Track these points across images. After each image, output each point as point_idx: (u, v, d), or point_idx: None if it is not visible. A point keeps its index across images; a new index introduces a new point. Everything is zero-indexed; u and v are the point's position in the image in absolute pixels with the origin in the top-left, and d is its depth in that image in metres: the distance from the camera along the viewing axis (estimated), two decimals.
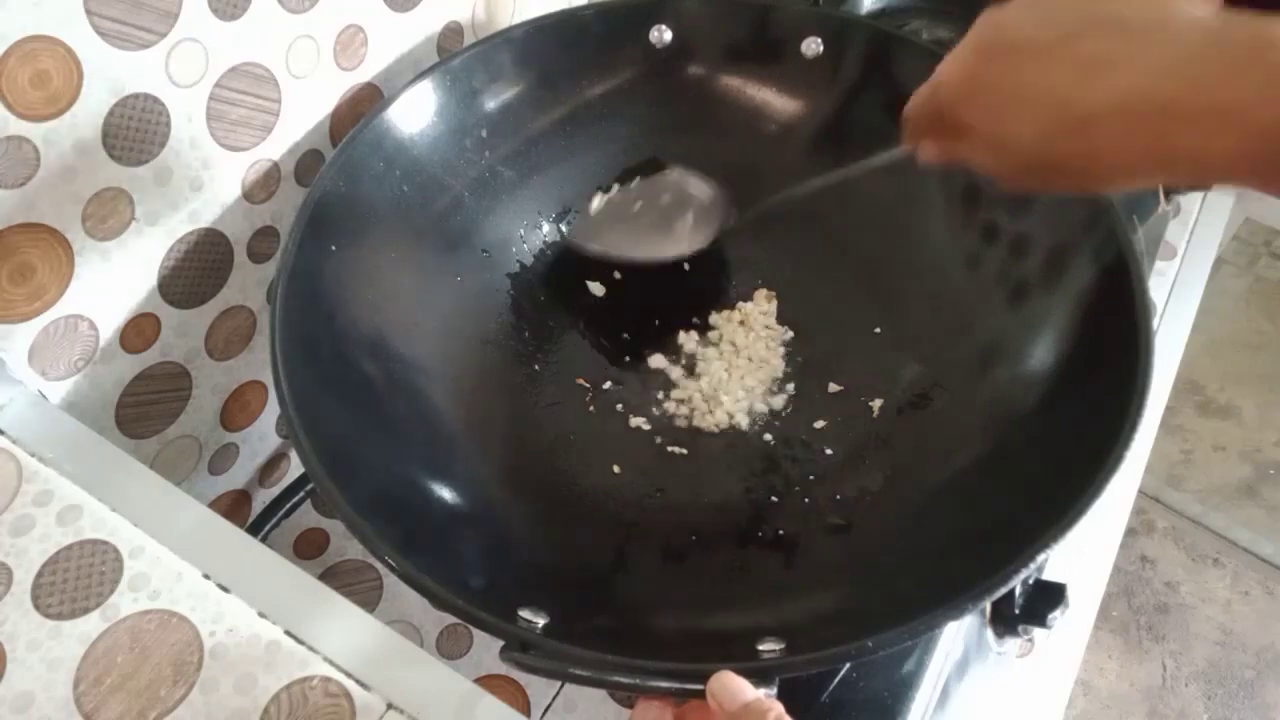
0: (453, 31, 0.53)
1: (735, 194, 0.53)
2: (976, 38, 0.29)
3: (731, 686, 0.28)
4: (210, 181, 0.42)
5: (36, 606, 0.32)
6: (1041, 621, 0.42)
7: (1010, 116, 0.28)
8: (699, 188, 0.53)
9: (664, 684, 0.30)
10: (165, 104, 0.38)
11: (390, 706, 0.30)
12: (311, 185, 0.42)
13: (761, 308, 0.52)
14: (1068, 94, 0.26)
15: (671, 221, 0.52)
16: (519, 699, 0.47)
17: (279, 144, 0.45)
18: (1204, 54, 0.24)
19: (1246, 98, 0.23)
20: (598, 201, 0.54)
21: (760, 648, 0.31)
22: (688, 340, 0.52)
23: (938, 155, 0.34)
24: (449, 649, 0.49)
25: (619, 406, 0.49)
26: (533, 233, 0.53)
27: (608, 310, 0.53)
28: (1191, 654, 1.21)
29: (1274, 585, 1.27)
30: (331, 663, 0.31)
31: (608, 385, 0.50)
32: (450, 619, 0.49)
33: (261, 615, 0.32)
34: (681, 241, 0.51)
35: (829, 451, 0.46)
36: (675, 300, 0.53)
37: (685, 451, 0.47)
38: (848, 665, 0.39)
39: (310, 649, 0.31)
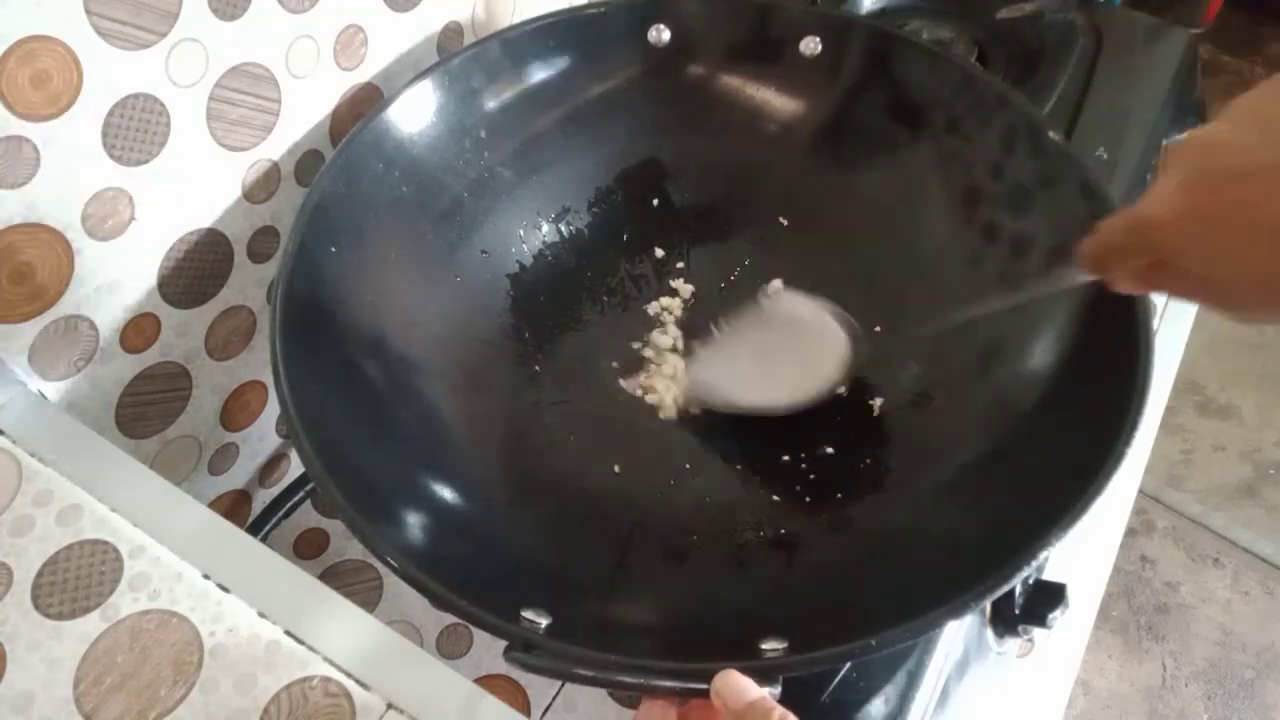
0: (453, 31, 0.53)
1: (740, 198, 0.53)
2: (1188, 169, 0.26)
3: (736, 685, 0.27)
4: (210, 181, 0.42)
5: (36, 606, 0.32)
6: (1041, 621, 0.42)
7: (1247, 253, 0.24)
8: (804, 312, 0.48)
9: (667, 683, 0.30)
10: (165, 104, 0.38)
11: (390, 706, 0.30)
12: (311, 186, 0.42)
13: None
14: None
15: (795, 360, 0.46)
16: (519, 699, 0.47)
17: (279, 144, 0.45)
18: None
19: None
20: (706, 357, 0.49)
21: (763, 647, 0.31)
22: (688, 340, 0.52)
23: (1134, 286, 0.31)
24: (449, 649, 0.49)
25: (619, 407, 0.49)
26: (532, 233, 0.53)
27: (608, 311, 0.53)
28: (1191, 654, 1.21)
29: (1274, 585, 1.27)
30: (331, 663, 0.31)
31: (608, 386, 0.50)
32: (450, 619, 0.49)
33: (261, 615, 0.32)
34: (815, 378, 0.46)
35: (829, 451, 0.46)
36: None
37: (686, 452, 0.47)
38: (848, 665, 0.39)
39: (310, 649, 0.31)
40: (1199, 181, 0.25)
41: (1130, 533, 1.23)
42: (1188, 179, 0.26)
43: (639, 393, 0.49)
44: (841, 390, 0.47)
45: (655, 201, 0.56)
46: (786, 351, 0.47)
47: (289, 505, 0.52)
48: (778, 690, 0.29)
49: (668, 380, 0.49)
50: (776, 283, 0.52)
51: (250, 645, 0.31)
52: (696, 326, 0.52)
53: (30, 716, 0.30)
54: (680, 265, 0.55)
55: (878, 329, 0.50)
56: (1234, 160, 0.24)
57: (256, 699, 0.30)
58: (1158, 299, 0.61)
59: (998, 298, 0.42)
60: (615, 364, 0.50)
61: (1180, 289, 0.29)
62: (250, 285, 0.47)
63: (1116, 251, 0.30)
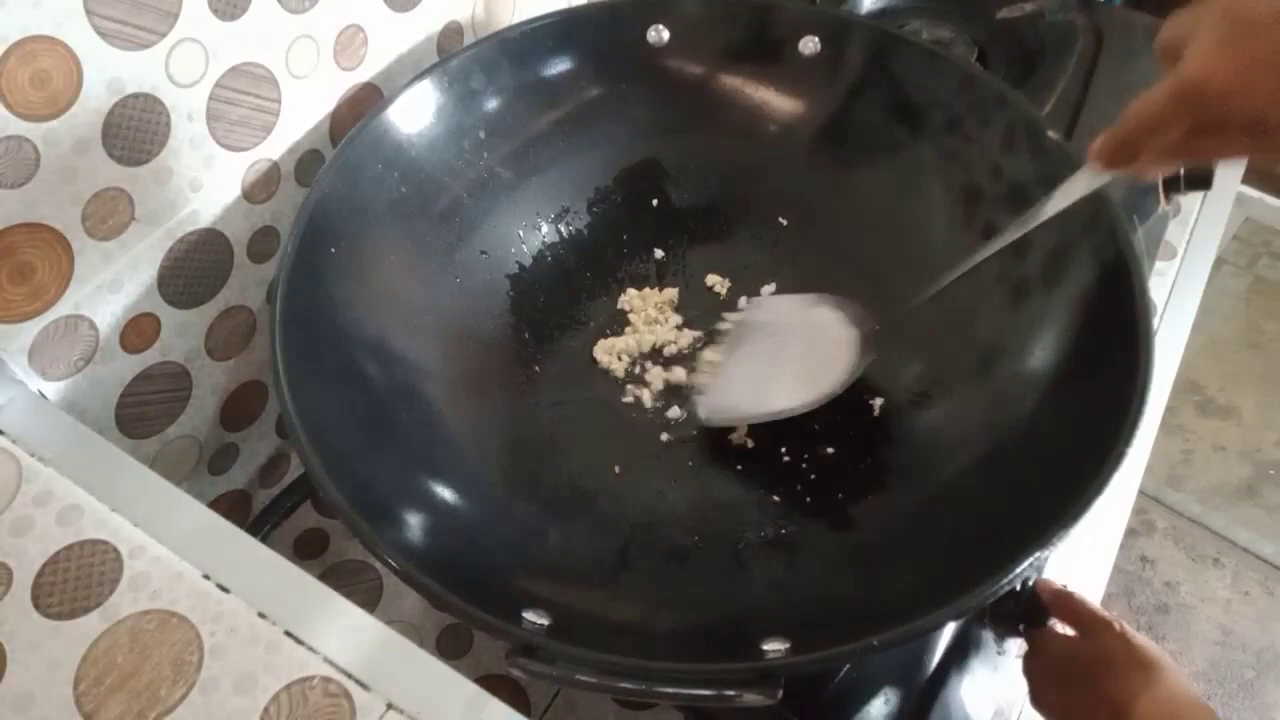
0: (453, 31, 0.53)
1: (739, 198, 0.53)
2: (1223, 23, 0.28)
3: (1074, 602, 0.31)
4: (210, 181, 0.42)
5: (36, 606, 0.32)
6: (1041, 622, 0.42)
7: None
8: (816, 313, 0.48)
9: (670, 690, 0.30)
10: (165, 104, 0.38)
11: (390, 706, 0.30)
12: (310, 187, 0.42)
13: None
14: None
15: (806, 362, 0.47)
16: (519, 699, 0.47)
17: (279, 144, 0.45)
18: None
19: None
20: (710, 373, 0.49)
21: (764, 647, 0.31)
22: (687, 340, 0.52)
23: (1173, 161, 0.32)
24: (449, 649, 0.49)
25: (619, 407, 0.49)
26: (532, 234, 0.53)
27: (607, 313, 0.53)
28: (1191, 654, 1.21)
29: (1274, 585, 1.27)
30: (331, 663, 0.31)
31: (607, 386, 0.50)
32: (450, 619, 0.49)
33: (261, 615, 0.32)
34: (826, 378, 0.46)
35: (830, 451, 0.46)
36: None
37: (686, 452, 0.47)
38: (848, 665, 0.39)
39: (310, 649, 0.31)
40: (1238, 31, 0.27)
41: (1130, 533, 1.22)
42: (1229, 32, 0.27)
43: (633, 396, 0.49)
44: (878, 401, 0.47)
45: (655, 202, 0.56)
46: (797, 353, 0.47)
47: (289, 505, 0.52)
48: (780, 691, 0.29)
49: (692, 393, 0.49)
50: (769, 287, 0.53)
51: (250, 645, 0.31)
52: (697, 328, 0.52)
53: (30, 716, 0.30)
54: (680, 265, 0.55)
55: (877, 328, 0.50)
56: (1264, 7, 0.27)
57: (256, 699, 0.30)
58: (1157, 300, 0.61)
59: (993, 241, 0.41)
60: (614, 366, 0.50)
61: (1219, 147, 0.30)
62: (250, 285, 0.47)
63: (1159, 126, 0.31)
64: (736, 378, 0.47)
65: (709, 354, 0.50)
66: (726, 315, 0.50)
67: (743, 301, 0.52)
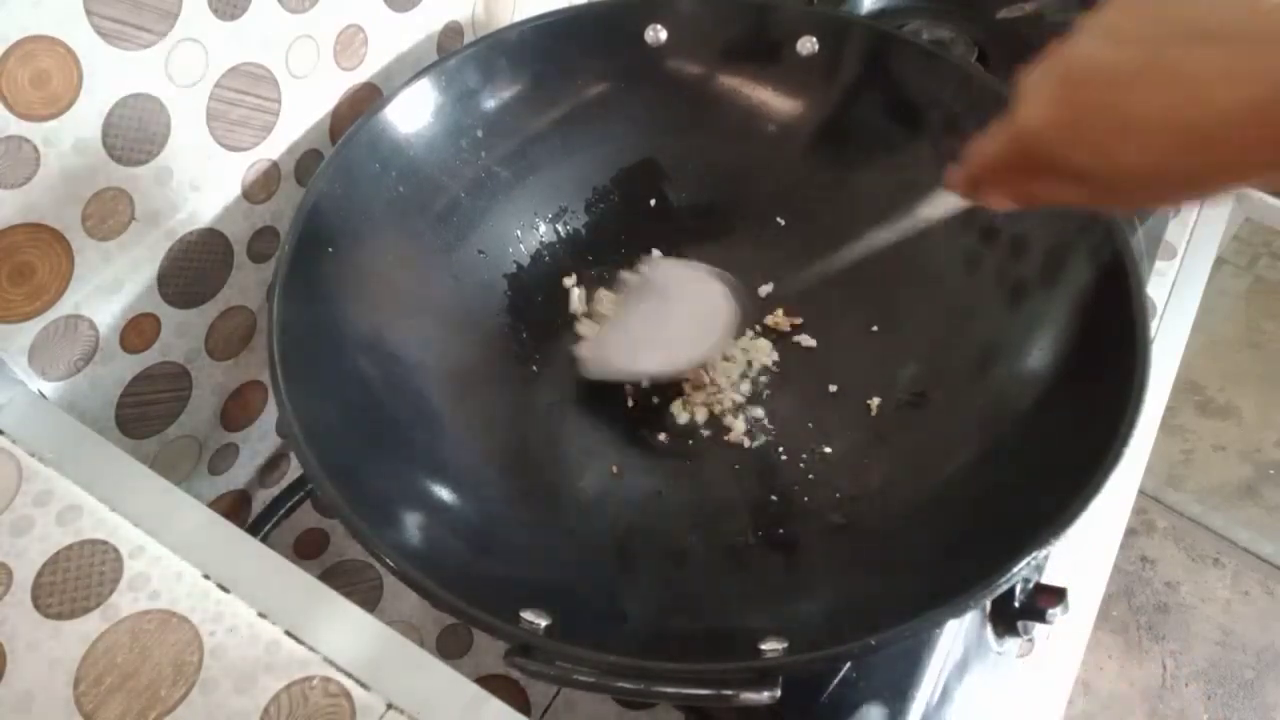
0: (453, 31, 0.53)
1: (737, 198, 0.53)
2: (1053, 76, 0.29)
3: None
4: (210, 181, 0.42)
5: (36, 606, 0.32)
6: (1041, 617, 0.42)
7: (1120, 146, 0.27)
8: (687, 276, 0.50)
9: (669, 690, 0.30)
10: (165, 104, 0.38)
11: (390, 706, 0.30)
12: (307, 187, 0.42)
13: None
14: (1183, 113, 0.25)
15: (688, 321, 0.48)
16: (519, 699, 0.47)
17: (279, 144, 0.45)
18: None
19: None
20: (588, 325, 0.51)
21: (762, 647, 0.31)
22: None
23: (1012, 200, 0.33)
24: (449, 649, 0.49)
25: (618, 407, 0.49)
26: (529, 233, 0.53)
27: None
28: (1191, 654, 1.21)
29: (1274, 585, 1.27)
30: (331, 663, 0.31)
31: (606, 385, 0.50)
32: (450, 619, 0.49)
33: (261, 615, 0.32)
34: (706, 338, 0.47)
35: (828, 450, 0.46)
36: None
37: (685, 451, 0.47)
38: (848, 665, 0.39)
39: (310, 649, 0.31)
40: (1067, 85, 0.29)
41: (1130, 533, 1.23)
42: (1058, 85, 0.29)
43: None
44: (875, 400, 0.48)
45: (652, 201, 0.56)
46: (676, 316, 0.48)
47: (289, 505, 0.52)
48: (778, 691, 0.29)
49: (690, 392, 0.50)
50: (655, 252, 0.54)
51: (250, 645, 0.31)
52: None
53: (30, 716, 0.30)
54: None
55: (875, 329, 0.50)
56: (1096, 64, 0.28)
57: (256, 699, 0.30)
58: (1157, 300, 0.61)
59: (879, 232, 0.43)
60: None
61: (1060, 194, 0.31)
62: (250, 285, 0.47)
63: (999, 166, 0.33)
64: (622, 333, 0.49)
65: (605, 302, 0.51)
66: (625, 272, 0.52)
67: (644, 259, 0.53)
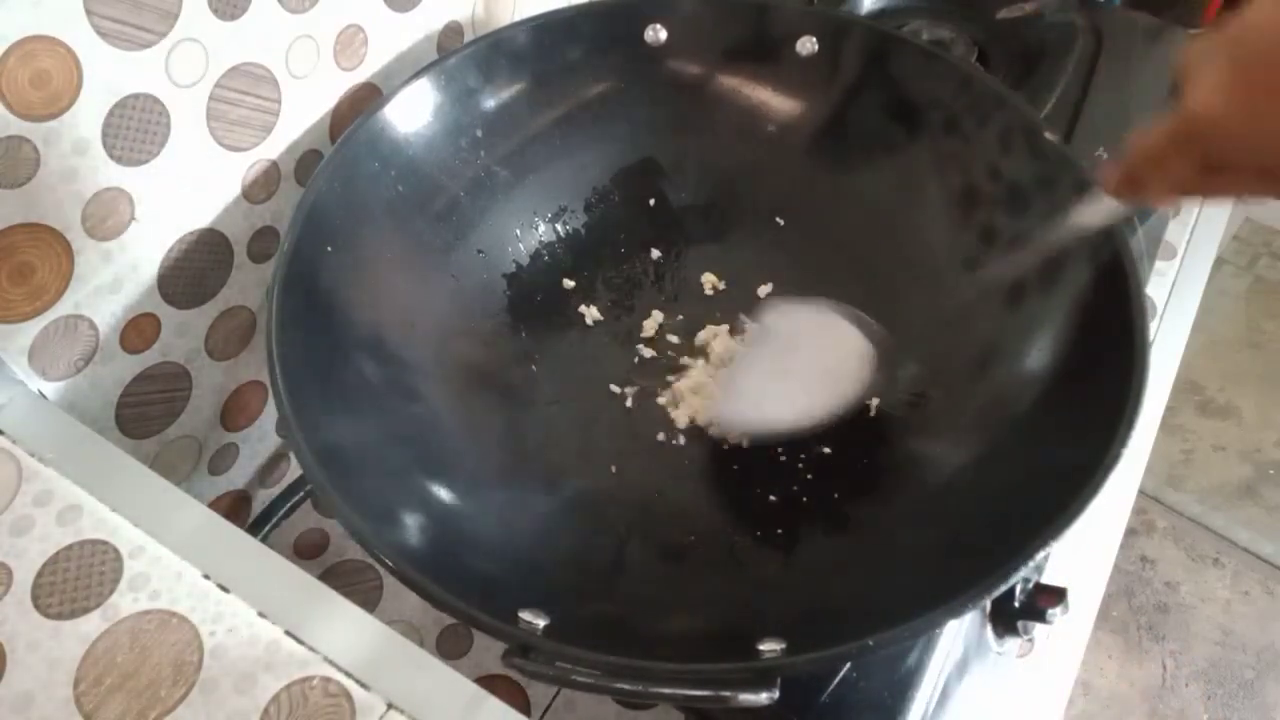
0: (453, 31, 0.53)
1: (736, 198, 0.53)
2: (1229, 57, 0.26)
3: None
4: (210, 181, 0.42)
5: (36, 606, 0.32)
6: (1041, 617, 0.42)
7: None
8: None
9: (667, 690, 0.30)
10: (165, 104, 0.38)
11: (390, 706, 0.30)
12: (306, 187, 0.42)
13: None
14: None
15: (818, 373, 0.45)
16: (519, 699, 0.47)
17: (279, 144, 0.45)
18: None
19: None
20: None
21: (761, 647, 0.31)
22: (685, 340, 0.52)
23: (1181, 196, 0.31)
24: (449, 649, 0.49)
25: (616, 407, 0.49)
26: (529, 233, 0.53)
27: (604, 311, 0.53)
28: (1191, 654, 1.21)
29: (1274, 585, 1.27)
30: (331, 663, 0.31)
31: (605, 386, 0.50)
32: (450, 619, 0.49)
33: (261, 615, 0.32)
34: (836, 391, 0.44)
35: (827, 450, 0.46)
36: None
37: (683, 451, 0.47)
38: (848, 665, 0.39)
39: (310, 649, 0.31)
40: (1248, 68, 0.25)
41: (1130, 533, 1.23)
42: (1237, 69, 0.26)
43: (662, 402, 0.49)
44: (874, 401, 0.46)
45: (652, 201, 0.56)
46: (809, 362, 0.45)
47: (289, 505, 0.52)
48: (775, 692, 0.29)
49: (688, 393, 0.49)
50: (766, 288, 0.52)
51: (250, 645, 0.31)
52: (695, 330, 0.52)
53: (30, 716, 0.30)
54: (677, 266, 0.55)
55: (879, 341, 0.50)
56: (1275, 41, 0.25)
57: (256, 699, 0.30)
58: (1157, 300, 0.61)
59: (1018, 255, 0.40)
60: (612, 365, 0.51)
61: (1229, 185, 0.28)
62: (250, 285, 0.47)
63: (1161, 161, 0.30)
64: (745, 388, 0.46)
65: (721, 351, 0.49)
66: (746, 319, 0.49)
67: (764, 301, 0.51)
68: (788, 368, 0.45)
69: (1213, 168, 0.28)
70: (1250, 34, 0.25)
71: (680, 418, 0.48)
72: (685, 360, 0.51)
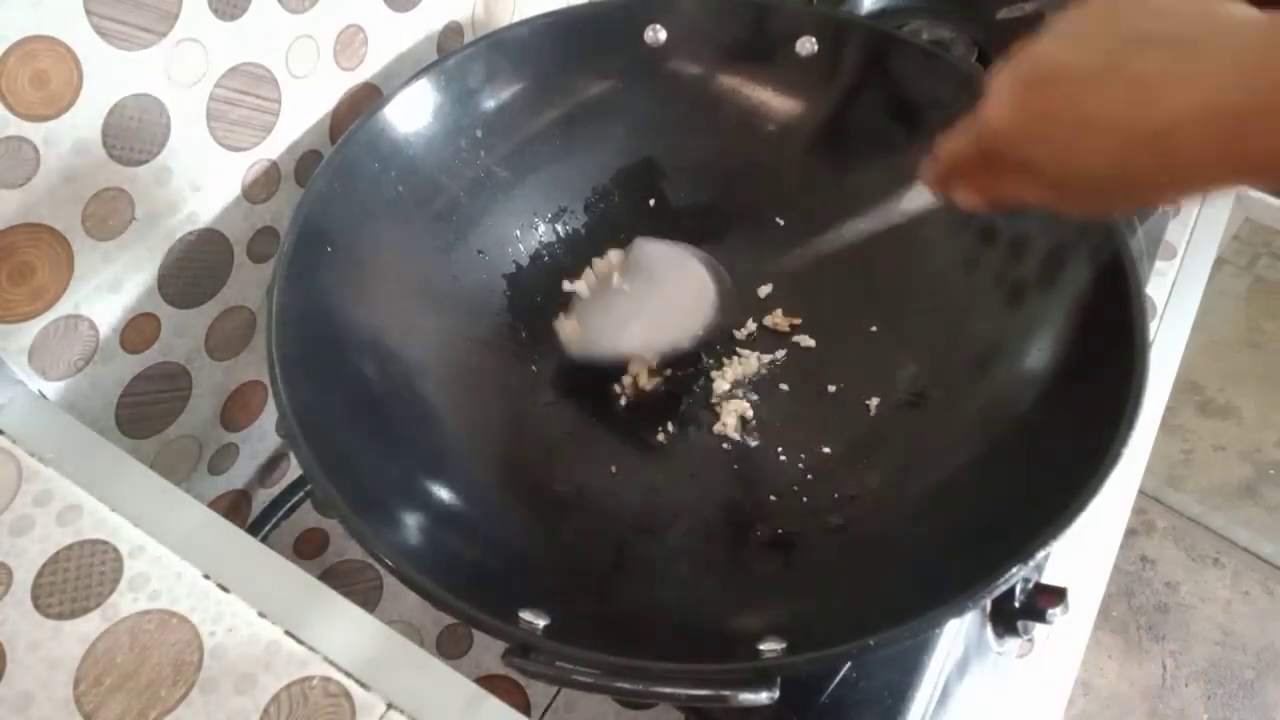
0: (453, 31, 0.53)
1: (736, 198, 0.53)
2: (1016, 77, 0.29)
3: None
4: (210, 181, 0.42)
5: (36, 606, 0.32)
6: (1041, 617, 0.42)
7: (1076, 146, 0.28)
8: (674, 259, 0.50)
9: (667, 690, 0.30)
10: (165, 104, 0.38)
11: (390, 706, 0.30)
12: (306, 187, 0.42)
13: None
14: (1133, 115, 0.26)
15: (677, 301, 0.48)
16: (519, 699, 0.47)
17: (279, 144, 0.45)
18: (1267, 56, 0.24)
19: None
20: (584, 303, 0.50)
21: (761, 647, 0.31)
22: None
23: (979, 198, 0.34)
24: (449, 649, 0.49)
25: (616, 406, 0.49)
26: (529, 233, 0.53)
27: None
28: (1191, 654, 1.21)
29: (1274, 585, 1.27)
30: (331, 663, 0.31)
31: (605, 385, 0.50)
32: (450, 619, 0.49)
33: (261, 615, 0.32)
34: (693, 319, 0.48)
35: (827, 450, 0.46)
36: None
37: (683, 451, 0.47)
38: (848, 665, 0.39)
39: (310, 649, 0.31)
40: (1028, 85, 0.29)
41: (1130, 533, 1.23)
42: (1019, 85, 0.29)
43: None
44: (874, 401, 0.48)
45: (652, 201, 0.56)
46: (661, 297, 0.49)
47: (289, 505, 0.52)
48: (776, 692, 0.29)
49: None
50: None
51: (250, 645, 0.31)
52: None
53: (30, 716, 0.30)
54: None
55: (874, 329, 0.50)
56: (1056, 66, 0.28)
57: (256, 699, 0.30)
58: (1157, 300, 0.61)
59: (859, 223, 0.43)
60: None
61: (1022, 193, 0.31)
62: (250, 285, 0.47)
63: (962, 159, 0.33)
64: (606, 311, 0.49)
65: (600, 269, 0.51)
66: (612, 250, 0.51)
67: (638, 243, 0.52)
68: (640, 298, 0.49)
69: (1001, 172, 0.31)
70: (1032, 59, 0.29)
71: (680, 418, 0.48)
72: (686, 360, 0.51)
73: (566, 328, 0.49)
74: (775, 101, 0.55)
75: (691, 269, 0.49)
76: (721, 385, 0.49)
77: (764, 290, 0.53)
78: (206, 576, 0.33)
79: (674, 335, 0.48)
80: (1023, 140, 0.29)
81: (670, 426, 0.48)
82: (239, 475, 0.53)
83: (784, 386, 0.50)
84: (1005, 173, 0.31)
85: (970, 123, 0.32)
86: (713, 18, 0.54)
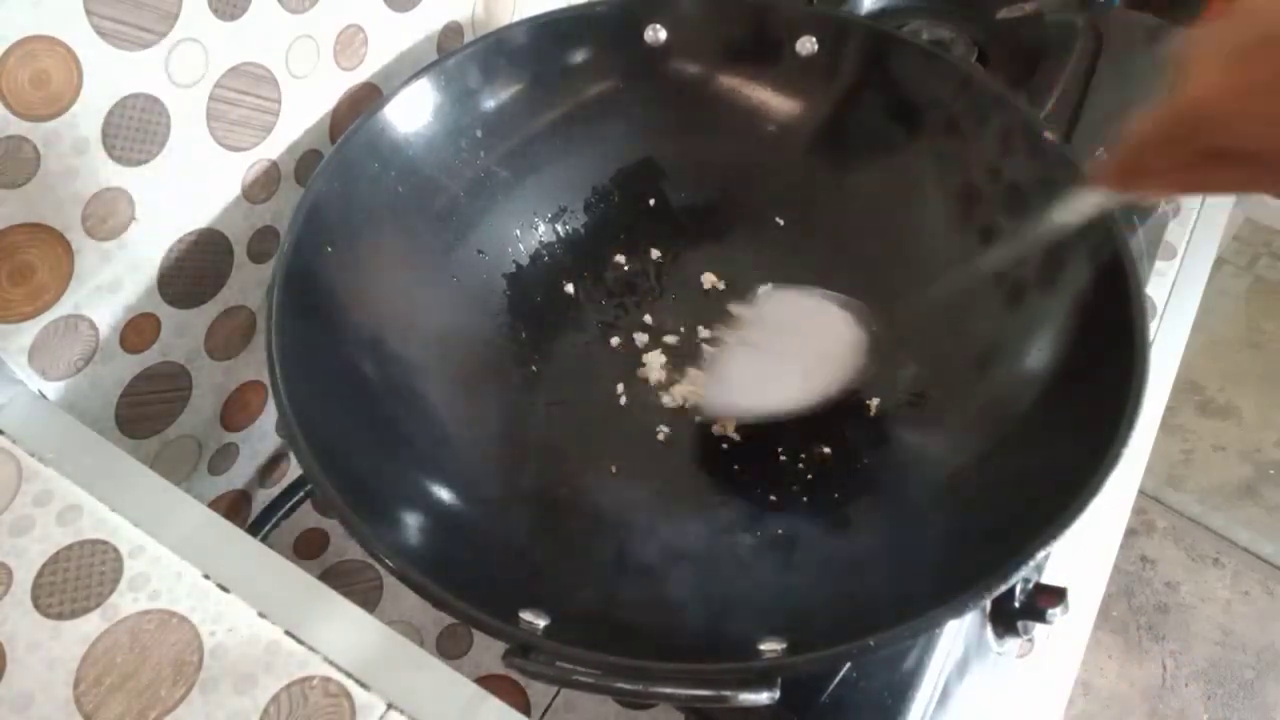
0: (453, 31, 0.53)
1: (736, 198, 0.53)
2: (1231, 41, 0.25)
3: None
4: (210, 181, 0.42)
5: (36, 606, 0.32)
6: (1041, 617, 0.42)
7: None
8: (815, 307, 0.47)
9: (667, 690, 0.30)
10: (165, 104, 0.38)
11: (390, 706, 0.30)
12: (306, 187, 0.42)
13: None
14: None
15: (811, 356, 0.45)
16: (519, 699, 0.47)
17: (279, 144, 0.45)
18: None
19: None
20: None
21: (761, 647, 0.31)
22: (684, 340, 0.52)
23: (1177, 189, 0.31)
24: (449, 649, 0.49)
25: (616, 406, 0.49)
26: (529, 233, 0.53)
27: (604, 311, 0.53)
28: (1191, 654, 1.21)
29: (1274, 585, 1.27)
30: (331, 663, 0.31)
31: (605, 386, 0.50)
32: (450, 619, 0.49)
33: (261, 615, 0.32)
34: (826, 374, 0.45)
35: (826, 450, 0.46)
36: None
37: (683, 451, 0.47)
38: (848, 665, 0.40)
39: (310, 649, 0.31)
40: (1251, 53, 0.25)
41: (1130, 533, 1.23)
42: (1238, 53, 0.25)
43: (664, 397, 0.49)
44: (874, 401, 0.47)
45: (652, 202, 0.56)
46: (800, 348, 0.46)
47: (289, 505, 0.52)
48: (776, 692, 0.29)
49: (688, 393, 0.49)
50: (765, 287, 0.52)
51: (250, 645, 0.31)
52: (694, 331, 0.52)
53: (30, 716, 0.30)
54: (676, 266, 0.55)
55: (874, 329, 0.50)
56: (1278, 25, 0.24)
57: (256, 699, 0.30)
58: (1157, 300, 0.61)
59: (1000, 251, 0.40)
60: (613, 364, 0.51)
61: (1229, 176, 0.28)
62: (250, 285, 0.47)
63: (1161, 149, 0.29)
64: (733, 372, 0.47)
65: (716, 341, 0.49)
66: (734, 306, 0.50)
67: (758, 291, 0.51)
68: (777, 353, 0.46)
69: (1210, 157, 0.27)
70: (1250, 18, 0.25)
71: (680, 418, 0.48)
72: (685, 361, 0.51)
73: (683, 390, 0.47)
74: (775, 101, 0.55)
75: (831, 314, 0.46)
76: None
77: (764, 290, 0.53)
78: (206, 576, 0.33)
79: (823, 386, 0.44)
80: (1243, 119, 0.25)
81: (670, 426, 0.48)
82: (239, 475, 0.53)
83: None
84: (1219, 156, 0.27)
85: (1172, 102, 0.28)
86: (713, 18, 0.54)
